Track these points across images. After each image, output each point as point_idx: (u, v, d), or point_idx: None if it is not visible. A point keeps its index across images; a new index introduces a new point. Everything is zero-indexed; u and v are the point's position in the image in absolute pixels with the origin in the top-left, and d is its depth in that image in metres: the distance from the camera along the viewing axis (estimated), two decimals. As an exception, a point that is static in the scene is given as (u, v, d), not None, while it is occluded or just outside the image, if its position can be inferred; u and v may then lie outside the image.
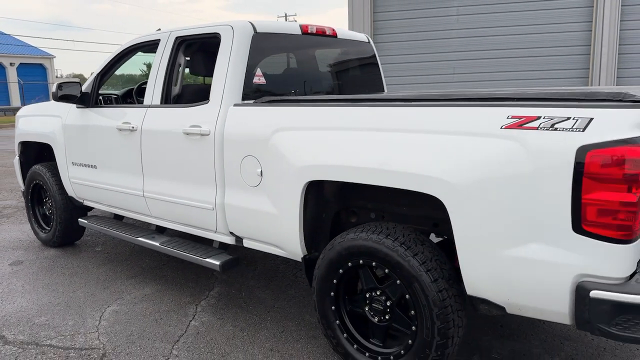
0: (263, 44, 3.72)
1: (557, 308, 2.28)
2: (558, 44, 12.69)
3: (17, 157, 5.79)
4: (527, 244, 2.28)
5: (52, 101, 4.86)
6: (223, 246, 3.88)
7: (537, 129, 2.22)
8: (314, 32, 4.13)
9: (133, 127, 4.10)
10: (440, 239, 3.19)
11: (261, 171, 3.28)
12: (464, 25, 13.33)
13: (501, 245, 2.34)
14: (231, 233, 3.65)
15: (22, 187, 5.76)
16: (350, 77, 4.72)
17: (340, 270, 2.94)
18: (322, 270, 3.02)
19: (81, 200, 5.00)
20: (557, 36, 12.68)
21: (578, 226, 2.15)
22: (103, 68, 4.65)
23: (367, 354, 2.91)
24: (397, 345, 2.82)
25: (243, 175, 3.39)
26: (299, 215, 3.12)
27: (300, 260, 3.27)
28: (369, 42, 4.74)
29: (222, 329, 3.59)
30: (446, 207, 2.46)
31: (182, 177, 3.79)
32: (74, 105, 4.77)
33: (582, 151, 2.10)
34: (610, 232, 2.11)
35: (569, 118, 2.16)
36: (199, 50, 4.17)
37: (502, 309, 2.47)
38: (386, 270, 2.75)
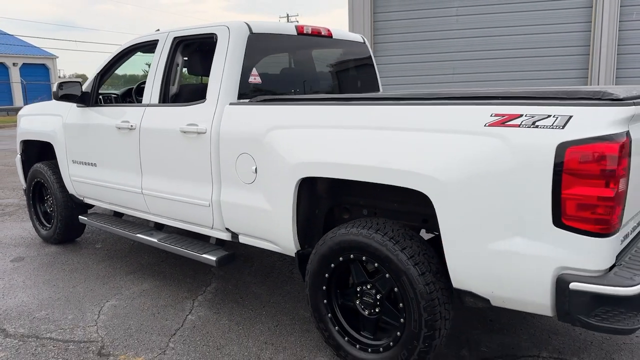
0: (259, 44, 3.79)
1: (539, 300, 2.36)
2: (557, 44, 12.75)
3: (18, 156, 5.89)
4: (510, 238, 2.36)
5: (53, 100, 4.95)
6: (220, 242, 3.95)
7: (519, 126, 2.29)
8: (310, 32, 4.20)
9: (132, 126, 4.18)
10: (432, 235, 3.26)
11: (256, 168, 3.36)
12: (463, 26, 13.40)
13: (485, 239, 2.41)
14: (227, 229, 3.73)
15: (24, 185, 5.86)
16: (346, 77, 4.79)
17: (332, 265, 3.01)
18: (314, 265, 3.09)
19: (81, 198, 5.09)
20: (557, 36, 12.74)
21: (558, 220, 2.23)
22: (103, 68, 4.74)
23: (357, 346, 2.98)
24: (386, 338, 2.89)
25: (238, 172, 3.47)
26: (292, 211, 3.20)
27: (293, 255, 3.34)
28: (364, 43, 4.82)
29: (218, 323, 3.67)
30: (432, 202, 2.53)
31: (179, 174, 3.87)
32: (75, 105, 4.85)
33: (562, 148, 2.18)
34: (589, 226, 2.18)
35: (549, 116, 2.23)
36: (196, 50, 4.26)
37: (487, 301, 2.55)
38: (376, 265, 2.83)
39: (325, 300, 3.09)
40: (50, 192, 5.36)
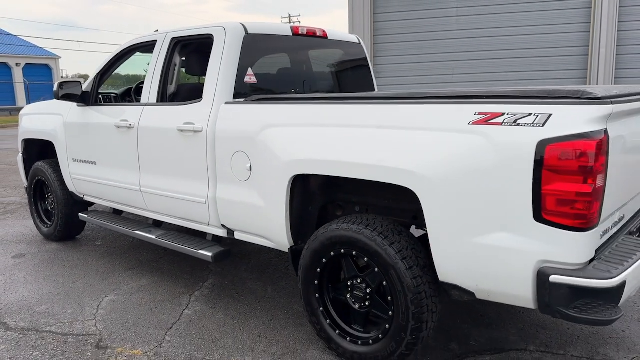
0: (254, 45, 3.87)
1: (522, 293, 2.43)
2: (557, 44, 12.81)
3: (20, 154, 5.98)
4: (493, 233, 2.43)
5: (54, 100, 5.04)
6: (216, 239, 4.03)
7: (501, 124, 2.37)
8: (305, 33, 4.29)
9: (130, 125, 4.27)
10: (422, 232, 3.34)
11: (250, 166, 3.44)
12: (463, 26, 13.47)
13: (469, 233, 2.49)
14: (223, 226, 3.81)
15: (25, 183, 5.95)
16: (341, 77, 4.87)
17: (324, 260, 3.09)
18: (306, 260, 3.17)
19: (81, 196, 5.18)
20: (556, 37, 12.80)
21: (539, 215, 2.30)
22: (103, 68, 4.83)
23: (348, 338, 3.06)
24: (376, 330, 2.97)
25: (233, 170, 3.55)
26: (286, 208, 3.28)
27: (287, 251, 3.42)
28: (360, 43, 4.90)
29: (213, 317, 3.75)
30: (419, 198, 2.61)
31: (176, 172, 3.95)
32: (75, 104, 4.94)
33: (542, 145, 2.25)
34: (568, 220, 2.26)
35: (530, 114, 2.31)
36: (193, 50, 4.34)
37: (472, 294, 2.62)
38: (366, 259, 2.91)
39: (317, 295, 3.17)
40: (51, 190, 5.45)
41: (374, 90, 5.07)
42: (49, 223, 5.69)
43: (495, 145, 2.37)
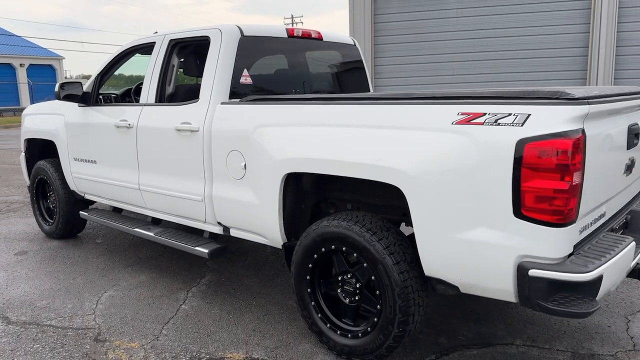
0: (250, 47, 3.97)
1: (503, 286, 2.52)
2: (556, 45, 12.87)
3: (23, 154, 6.09)
4: (475, 228, 2.52)
5: (56, 100, 5.14)
6: (213, 236, 4.13)
7: (482, 124, 2.45)
8: (300, 35, 4.38)
9: (129, 125, 4.37)
10: (413, 229, 3.42)
11: (245, 165, 3.53)
12: (463, 27, 13.55)
13: (453, 229, 2.58)
14: (219, 223, 3.90)
15: (28, 182, 6.06)
16: (336, 78, 4.96)
17: (315, 256, 3.19)
18: (298, 256, 3.27)
19: (82, 194, 5.28)
20: (555, 38, 12.86)
21: (518, 211, 2.39)
22: (103, 69, 4.94)
23: (338, 332, 3.15)
24: (365, 324, 3.06)
25: (229, 168, 3.65)
26: (279, 205, 3.37)
27: (280, 247, 3.52)
28: (355, 45, 4.99)
29: (209, 312, 3.85)
30: (405, 195, 2.70)
31: (174, 170, 4.05)
32: (76, 104, 5.04)
33: (521, 144, 2.34)
34: (546, 216, 2.34)
35: (510, 114, 2.40)
36: (191, 52, 4.43)
37: (456, 288, 2.71)
38: (355, 255, 3.00)
39: (309, 289, 3.26)
40: (52, 188, 5.56)
41: (369, 91, 5.16)
42: (51, 221, 5.80)
43: (477, 144, 2.46)
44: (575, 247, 2.48)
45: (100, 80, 4.96)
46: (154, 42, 4.42)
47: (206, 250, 3.89)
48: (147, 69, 4.41)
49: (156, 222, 4.74)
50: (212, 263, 4.88)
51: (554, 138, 2.28)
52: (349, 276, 3.11)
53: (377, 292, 2.92)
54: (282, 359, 3.20)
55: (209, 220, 3.93)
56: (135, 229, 4.57)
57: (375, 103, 2.91)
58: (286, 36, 4.28)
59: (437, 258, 2.68)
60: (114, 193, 4.78)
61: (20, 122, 6.10)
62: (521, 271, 2.42)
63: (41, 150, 5.94)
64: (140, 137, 4.30)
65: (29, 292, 4.29)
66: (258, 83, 4.11)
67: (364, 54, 14.79)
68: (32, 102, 33.87)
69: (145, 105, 4.34)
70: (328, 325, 3.21)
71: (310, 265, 3.23)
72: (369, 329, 3.00)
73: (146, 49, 4.60)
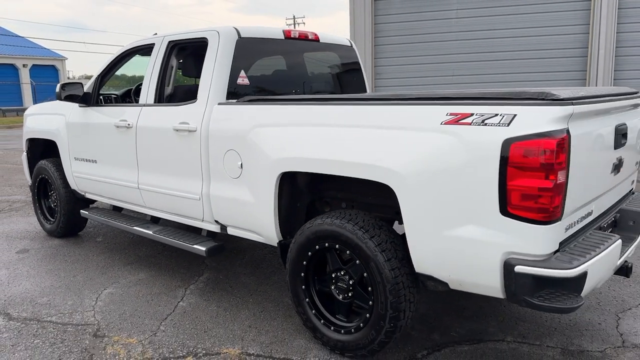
0: (247, 48, 4.04)
1: (490, 282, 2.58)
2: (556, 46, 12.92)
3: (24, 153, 6.17)
4: (463, 226, 2.58)
5: (57, 101, 5.22)
6: (211, 234, 4.20)
7: (470, 124, 2.52)
8: (297, 36, 4.45)
9: (129, 125, 4.44)
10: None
11: (241, 164, 3.60)
12: (463, 28, 13.61)
13: (441, 227, 2.64)
14: (216, 221, 3.97)
15: (30, 181, 6.14)
16: (333, 79, 5.02)
17: (309, 253, 3.25)
18: (293, 253, 3.33)
19: (83, 193, 5.36)
20: (555, 39, 12.91)
21: (504, 209, 2.45)
22: (103, 70, 5.01)
23: (332, 327, 3.22)
24: (358, 320, 3.13)
25: (226, 167, 3.72)
26: (274, 203, 3.44)
27: (276, 245, 3.58)
28: (352, 46, 5.06)
29: (207, 309, 3.92)
30: (396, 193, 2.77)
31: (172, 170, 4.12)
32: (77, 105, 5.12)
33: (507, 143, 2.40)
34: (531, 214, 2.41)
35: (496, 114, 2.46)
36: (189, 53, 4.50)
37: (446, 284, 2.77)
38: (348, 252, 3.06)
39: (303, 286, 3.32)
40: (53, 187, 5.63)
41: (365, 91, 5.22)
42: (52, 220, 5.88)
43: (465, 143, 2.52)
44: (561, 244, 2.55)
45: (100, 81, 5.03)
46: (153, 44, 4.50)
47: (204, 248, 3.96)
48: (146, 70, 4.48)
49: (155, 220, 4.81)
50: (211, 261, 4.95)
51: (539, 138, 2.34)
52: (342, 273, 3.18)
53: (369, 288, 2.98)
54: (277, 354, 3.26)
55: (207, 218, 3.99)
56: (135, 228, 4.64)
57: (368, 104, 2.98)
58: (283, 38, 4.35)
59: (426, 255, 2.74)
60: (113, 192, 4.86)
61: (23, 123, 6.17)
62: (507, 267, 2.48)
63: (43, 150, 6.02)
64: (139, 137, 4.37)
65: (30, 289, 4.37)
66: (256, 84, 4.18)
67: (365, 54, 14.85)
68: (35, 102, 34.01)
69: (144, 105, 4.41)
70: (322, 321, 3.27)
71: (304, 262, 3.29)
72: (361, 324, 3.07)
73: (146, 50, 4.67)
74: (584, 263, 2.44)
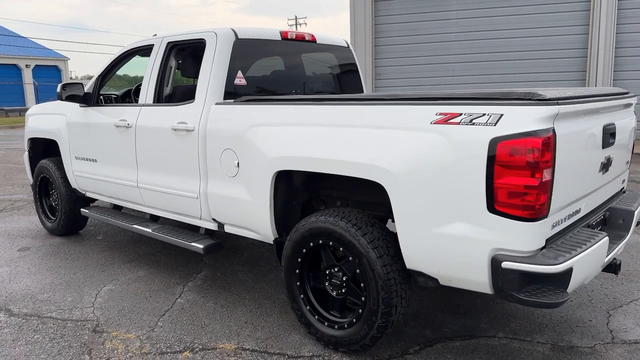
0: (244, 49, 4.10)
1: (478, 278, 2.64)
2: (556, 46, 12.98)
3: (26, 153, 6.25)
4: (452, 223, 2.64)
5: (58, 101, 5.29)
6: (209, 232, 4.27)
7: (459, 124, 2.58)
8: (294, 38, 4.51)
9: (128, 124, 4.51)
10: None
11: (238, 163, 3.67)
12: (463, 29, 13.68)
13: (431, 224, 2.71)
14: (214, 220, 4.04)
15: (31, 180, 6.22)
16: (330, 80, 5.09)
17: (304, 250, 3.31)
18: (288, 251, 3.40)
19: (83, 192, 5.43)
20: (555, 39, 12.97)
21: (492, 207, 2.51)
22: (104, 70, 5.08)
23: (325, 323, 3.28)
24: (351, 315, 3.19)
25: (223, 166, 3.78)
26: (270, 202, 3.50)
27: (272, 242, 3.65)
28: (348, 47, 5.12)
29: (204, 306, 3.99)
30: (387, 192, 2.83)
31: (170, 169, 4.19)
32: (77, 105, 5.19)
33: (494, 142, 2.46)
34: (518, 211, 2.47)
35: (484, 114, 2.52)
36: (188, 54, 4.57)
37: (436, 280, 2.84)
38: (341, 249, 3.13)
39: (298, 283, 3.39)
40: (54, 186, 5.71)
41: (362, 91, 5.28)
42: (53, 218, 5.95)
43: (454, 143, 2.58)
44: (547, 241, 2.60)
45: (101, 81, 5.11)
46: (153, 45, 4.57)
47: (201, 246, 4.03)
48: (145, 71, 4.55)
49: (154, 219, 4.88)
50: (209, 259, 5.02)
51: (525, 137, 2.40)
52: (336, 270, 3.24)
53: (362, 284, 3.05)
54: (272, 350, 3.33)
55: (204, 216, 4.06)
56: (134, 226, 4.71)
57: (361, 104, 3.04)
58: (280, 39, 4.41)
59: (417, 252, 2.80)
60: (113, 191, 4.93)
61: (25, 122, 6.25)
62: (495, 264, 2.54)
63: (44, 150, 6.09)
64: (138, 136, 4.44)
65: (30, 286, 4.44)
66: (253, 84, 4.25)
67: (365, 55, 14.92)
68: (38, 102, 34.13)
69: (143, 105, 4.48)
70: (316, 317, 3.33)
71: (299, 259, 3.35)
72: (354, 320, 3.13)
73: (145, 51, 4.74)
74: (569, 259, 2.50)
